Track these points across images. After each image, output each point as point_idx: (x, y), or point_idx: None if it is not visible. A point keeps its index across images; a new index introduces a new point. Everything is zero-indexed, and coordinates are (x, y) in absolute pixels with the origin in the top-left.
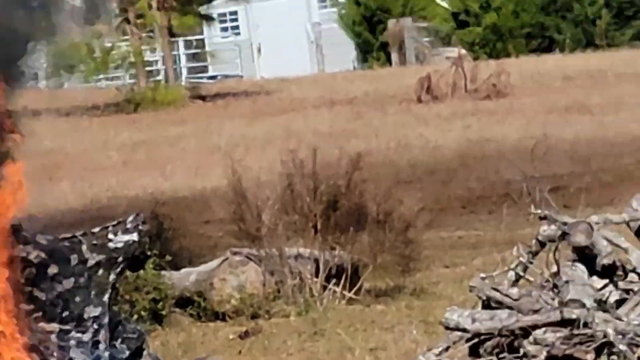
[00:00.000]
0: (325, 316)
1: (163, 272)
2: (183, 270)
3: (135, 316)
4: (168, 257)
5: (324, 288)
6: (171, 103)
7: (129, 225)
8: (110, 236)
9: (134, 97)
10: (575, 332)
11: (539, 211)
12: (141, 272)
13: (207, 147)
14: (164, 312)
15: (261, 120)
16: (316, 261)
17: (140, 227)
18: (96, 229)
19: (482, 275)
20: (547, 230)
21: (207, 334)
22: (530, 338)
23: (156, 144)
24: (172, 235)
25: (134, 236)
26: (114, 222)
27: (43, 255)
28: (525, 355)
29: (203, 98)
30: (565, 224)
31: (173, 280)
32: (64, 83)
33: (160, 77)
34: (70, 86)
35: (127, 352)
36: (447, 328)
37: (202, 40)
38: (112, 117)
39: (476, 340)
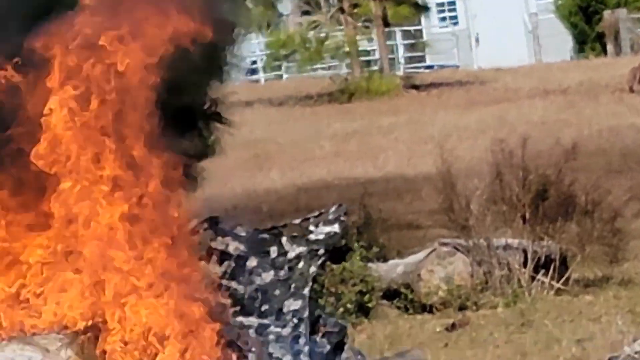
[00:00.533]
0: (533, 307)
1: (370, 264)
2: (390, 262)
3: (341, 309)
4: (375, 249)
5: (532, 279)
6: (385, 93)
7: (330, 217)
8: (312, 228)
9: (347, 87)
10: None
11: None
12: (347, 264)
13: (420, 137)
14: (370, 305)
15: (474, 110)
16: (524, 251)
17: (342, 219)
18: (297, 220)
19: None
20: None
21: (413, 326)
22: None
23: (369, 134)
24: (381, 226)
25: (336, 227)
26: (316, 213)
27: (242, 247)
28: None
29: (417, 88)
30: None
31: (380, 272)
32: (282, 74)
33: (376, 67)
34: (288, 77)
35: (328, 347)
36: None
37: (420, 30)
38: (325, 107)
39: None
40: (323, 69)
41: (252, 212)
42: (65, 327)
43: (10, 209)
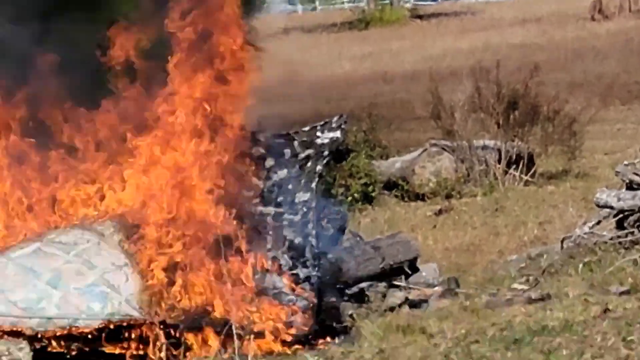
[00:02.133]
0: (505, 196)
1: (373, 162)
2: (390, 160)
3: (350, 198)
4: (378, 149)
5: (505, 173)
6: (395, 22)
7: (334, 125)
8: (318, 134)
9: (364, 17)
10: None
11: None
12: (355, 161)
13: (422, 58)
14: (373, 194)
15: (466, 35)
16: (499, 151)
17: (342, 126)
18: (306, 128)
19: (626, 162)
20: None
21: (408, 212)
22: None
23: (380, 56)
24: (384, 130)
25: (338, 134)
26: (321, 122)
27: (262, 150)
28: None
29: (420, 17)
30: None
31: (382, 168)
32: (316, 7)
33: (388, 0)
34: (321, 8)
35: (332, 230)
36: (597, 206)
37: None
38: (346, 34)
39: (621, 215)
40: (348, 1)
41: (279, 118)
42: (117, 217)
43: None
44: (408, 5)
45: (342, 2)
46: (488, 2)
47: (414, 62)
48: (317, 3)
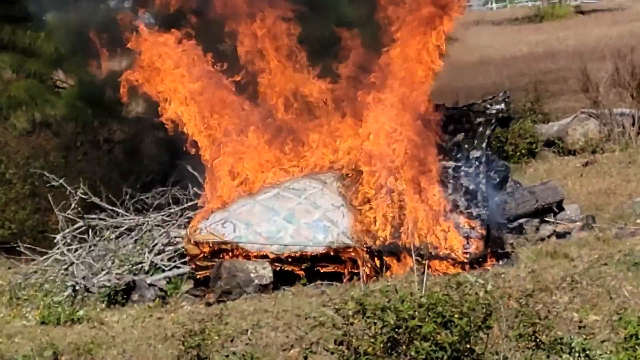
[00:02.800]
0: (637, 151)
1: (536, 125)
2: (549, 124)
3: (518, 153)
4: (540, 115)
5: (638, 134)
6: (562, 16)
7: (500, 99)
8: (487, 106)
9: (540, 12)
10: None
11: None
12: (523, 124)
13: (581, 44)
14: (536, 151)
15: (615, 27)
16: (633, 117)
17: (507, 100)
18: (479, 101)
19: None
20: None
21: (562, 164)
22: None
23: (550, 42)
24: (546, 100)
25: (502, 106)
26: (490, 97)
27: (444, 119)
28: None
29: (582, 13)
30: None
31: (543, 130)
32: (506, 4)
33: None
34: (510, 6)
35: (497, 179)
36: None
37: None
38: (525, 26)
39: None
40: (529, 0)
41: (473, 89)
42: (338, 169)
43: None
44: (574, 3)
45: (527, 1)
46: (635, 0)
47: (574, 46)
48: (507, 1)
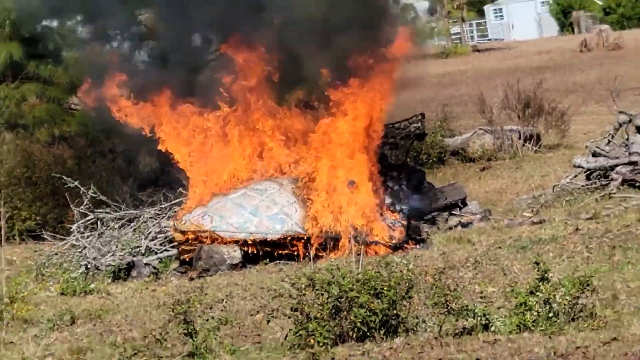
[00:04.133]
0: (522, 159)
1: (444, 139)
2: (454, 138)
3: (430, 161)
4: (447, 131)
5: (522, 145)
6: (463, 53)
7: (416, 119)
8: (407, 124)
9: (445, 50)
10: (635, 167)
11: (616, 107)
12: (434, 138)
13: (478, 75)
14: (444, 159)
15: (504, 61)
16: (519, 132)
17: (421, 120)
18: (400, 121)
19: (591, 140)
20: (622, 117)
21: (465, 169)
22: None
23: (455, 74)
24: (452, 119)
25: (418, 124)
26: (410, 117)
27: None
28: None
29: (479, 51)
30: (631, 114)
31: (449, 143)
32: None
33: (459, 40)
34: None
35: (415, 182)
36: (575, 166)
37: None
38: (434, 61)
39: (588, 172)
40: (440, 40)
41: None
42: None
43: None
44: (471, 43)
45: (436, 41)
46: (517, 41)
47: (473, 77)
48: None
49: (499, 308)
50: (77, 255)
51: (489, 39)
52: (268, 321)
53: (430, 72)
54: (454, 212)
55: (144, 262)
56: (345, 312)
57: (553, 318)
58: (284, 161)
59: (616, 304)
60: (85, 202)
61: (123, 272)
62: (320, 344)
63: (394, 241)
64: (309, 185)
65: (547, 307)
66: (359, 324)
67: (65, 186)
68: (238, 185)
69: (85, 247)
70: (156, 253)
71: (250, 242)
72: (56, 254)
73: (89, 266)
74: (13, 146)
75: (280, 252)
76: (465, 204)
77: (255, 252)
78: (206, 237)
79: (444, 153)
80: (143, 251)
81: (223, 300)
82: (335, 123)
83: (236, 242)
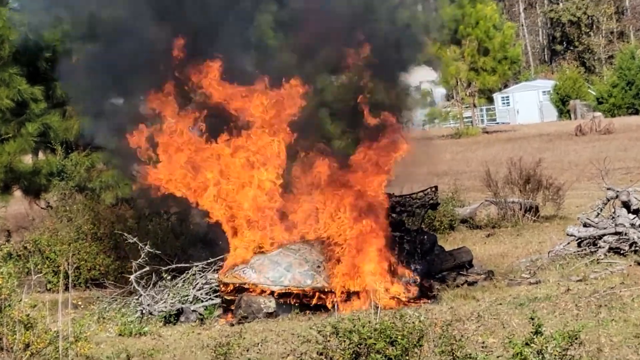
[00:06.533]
0: (523, 228)
1: (455, 208)
2: (464, 207)
3: (442, 227)
4: (458, 201)
5: (523, 215)
6: (474, 135)
7: (431, 190)
8: (422, 195)
9: (458, 131)
10: (620, 236)
11: (605, 185)
12: (445, 208)
13: (486, 154)
14: (455, 225)
15: (509, 142)
16: (520, 204)
17: (436, 192)
18: (417, 192)
19: (582, 213)
20: (610, 193)
21: (472, 235)
22: (601, 242)
23: (466, 153)
24: (462, 192)
25: (432, 195)
26: (426, 189)
27: (393, 204)
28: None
29: (488, 132)
30: (618, 191)
31: (459, 212)
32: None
33: (470, 123)
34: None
35: (428, 245)
36: (568, 234)
37: None
38: (448, 140)
39: (580, 240)
40: (454, 123)
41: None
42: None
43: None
44: (481, 126)
45: (450, 124)
46: (521, 125)
47: (481, 155)
48: (435, 124)
49: (498, 357)
50: (134, 302)
51: (497, 122)
52: None
53: (444, 150)
54: (461, 272)
55: (192, 309)
56: (364, 357)
57: None
58: (314, 227)
59: (601, 356)
60: (142, 256)
61: (173, 318)
62: None
63: (408, 296)
64: (336, 247)
65: (540, 357)
66: None
67: (126, 242)
68: (275, 245)
69: (141, 295)
70: (202, 301)
71: (283, 293)
72: (116, 300)
73: (143, 311)
74: (82, 206)
75: (309, 303)
76: (471, 265)
77: (288, 302)
78: (246, 289)
79: (454, 220)
80: (191, 299)
81: (259, 344)
82: (360, 197)
83: (272, 293)
